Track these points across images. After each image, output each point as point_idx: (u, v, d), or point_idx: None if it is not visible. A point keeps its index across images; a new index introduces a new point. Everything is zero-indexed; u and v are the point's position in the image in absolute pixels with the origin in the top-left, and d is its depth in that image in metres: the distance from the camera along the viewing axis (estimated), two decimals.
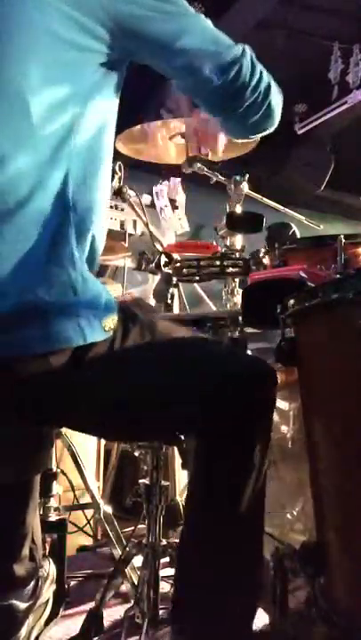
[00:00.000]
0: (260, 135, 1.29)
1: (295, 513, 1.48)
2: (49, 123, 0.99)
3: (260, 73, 1.16)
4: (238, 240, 1.86)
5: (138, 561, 1.54)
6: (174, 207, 1.90)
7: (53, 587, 1.44)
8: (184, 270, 1.72)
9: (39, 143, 0.98)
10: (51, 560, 1.48)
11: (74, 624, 1.60)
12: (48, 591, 1.40)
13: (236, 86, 1.13)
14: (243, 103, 1.15)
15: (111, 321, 1.00)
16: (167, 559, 1.78)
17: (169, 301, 1.74)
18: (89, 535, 2.46)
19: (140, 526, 1.60)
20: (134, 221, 2.54)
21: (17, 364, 0.93)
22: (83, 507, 2.28)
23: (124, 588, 1.74)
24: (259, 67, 1.16)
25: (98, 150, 1.08)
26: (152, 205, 2.15)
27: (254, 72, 1.14)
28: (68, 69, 1.03)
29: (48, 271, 0.95)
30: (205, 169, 1.81)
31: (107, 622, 1.58)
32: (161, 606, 1.37)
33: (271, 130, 1.26)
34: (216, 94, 1.14)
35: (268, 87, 1.17)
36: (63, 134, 1.00)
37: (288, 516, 1.49)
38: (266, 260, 1.70)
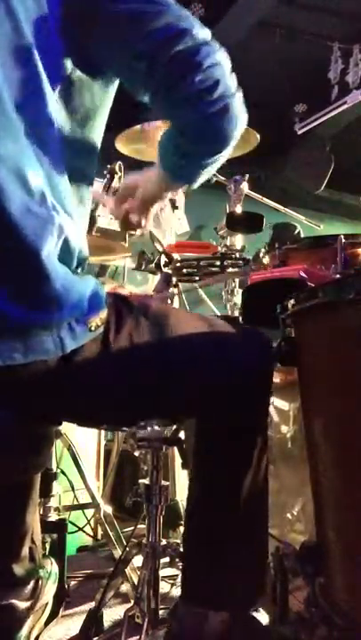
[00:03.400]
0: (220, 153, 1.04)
1: (295, 513, 1.48)
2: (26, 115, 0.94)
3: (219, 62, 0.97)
4: (238, 240, 1.86)
5: (138, 561, 1.54)
6: (174, 207, 1.90)
7: (55, 587, 1.44)
8: (184, 270, 1.72)
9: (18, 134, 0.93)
10: (53, 560, 1.49)
11: (74, 624, 1.60)
12: (50, 591, 1.40)
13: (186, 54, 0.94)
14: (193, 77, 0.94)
15: (99, 319, 0.99)
16: (167, 559, 1.79)
17: (169, 301, 1.75)
18: (89, 535, 2.46)
19: (140, 526, 1.60)
20: None
21: (7, 369, 0.93)
22: (83, 507, 2.27)
23: (124, 588, 1.74)
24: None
25: (83, 148, 1.06)
26: None
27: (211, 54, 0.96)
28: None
29: (30, 284, 0.92)
30: None
31: (107, 622, 1.58)
32: (161, 606, 1.37)
33: (229, 144, 1.03)
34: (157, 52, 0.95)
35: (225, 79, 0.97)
36: (44, 129, 0.96)
37: (288, 515, 1.49)
38: (266, 260, 1.71)
